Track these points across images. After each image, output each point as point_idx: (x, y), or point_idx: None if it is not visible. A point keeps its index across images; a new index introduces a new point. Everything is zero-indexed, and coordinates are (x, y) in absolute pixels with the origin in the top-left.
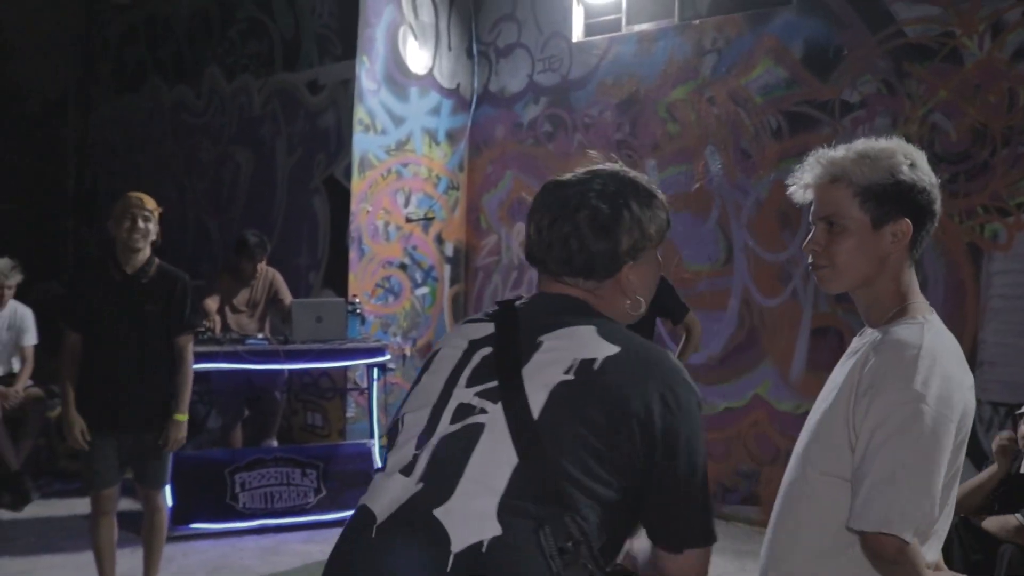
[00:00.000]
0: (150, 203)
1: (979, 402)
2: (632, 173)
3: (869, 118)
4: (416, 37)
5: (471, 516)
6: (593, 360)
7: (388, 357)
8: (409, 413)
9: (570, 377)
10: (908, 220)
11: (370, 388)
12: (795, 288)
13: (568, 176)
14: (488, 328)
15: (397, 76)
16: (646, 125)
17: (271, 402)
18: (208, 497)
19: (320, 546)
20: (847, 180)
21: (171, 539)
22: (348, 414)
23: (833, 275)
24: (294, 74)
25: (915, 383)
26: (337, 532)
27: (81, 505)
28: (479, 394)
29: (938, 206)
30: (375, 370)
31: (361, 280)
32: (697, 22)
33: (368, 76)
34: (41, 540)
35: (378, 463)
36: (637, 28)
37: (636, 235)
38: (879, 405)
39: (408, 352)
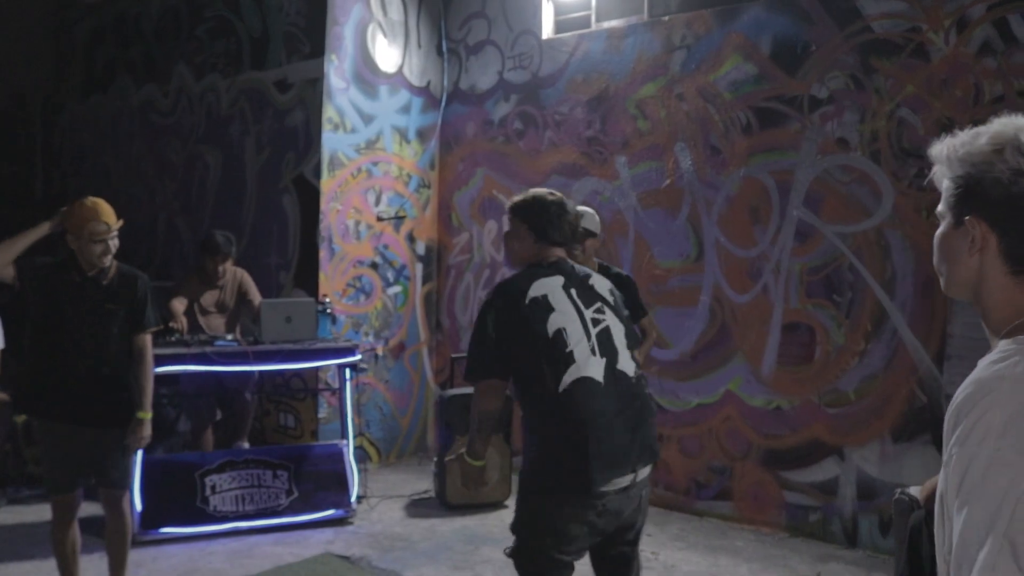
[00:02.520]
0: (112, 219)
1: (946, 395)
2: None
3: (837, 113)
4: (385, 35)
5: (628, 363)
6: (607, 284)
7: (360, 357)
8: (566, 327)
9: (609, 294)
10: (983, 221)
11: (342, 388)
12: (766, 284)
13: (555, 195)
14: (560, 277)
15: (366, 74)
16: (616, 122)
17: (242, 403)
18: (178, 501)
19: (292, 548)
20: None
21: (140, 544)
22: (320, 415)
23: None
24: (262, 73)
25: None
26: (309, 534)
27: (48, 511)
28: (595, 310)
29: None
30: (347, 370)
31: (332, 279)
32: (666, 18)
33: (337, 74)
34: (9, 547)
35: (351, 464)
36: (607, 25)
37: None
38: None
39: (380, 351)
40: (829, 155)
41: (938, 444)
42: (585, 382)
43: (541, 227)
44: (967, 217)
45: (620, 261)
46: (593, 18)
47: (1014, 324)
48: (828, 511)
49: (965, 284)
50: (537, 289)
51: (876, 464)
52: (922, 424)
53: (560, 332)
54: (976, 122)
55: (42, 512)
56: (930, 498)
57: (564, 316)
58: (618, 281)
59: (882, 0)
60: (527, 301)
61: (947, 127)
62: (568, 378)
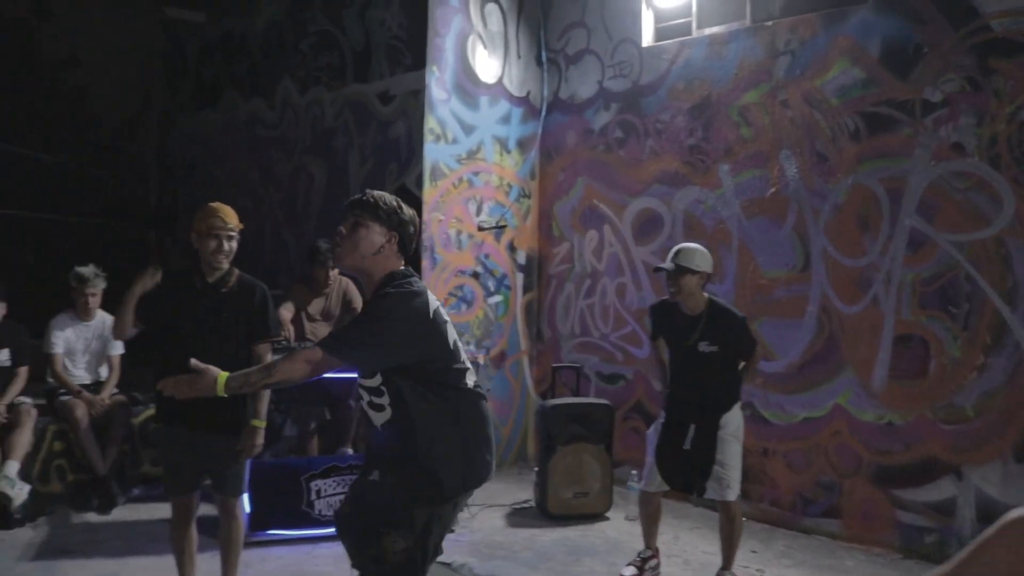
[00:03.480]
0: (233, 219)
1: None
2: None
3: (952, 117)
4: (485, 46)
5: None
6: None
7: None
8: (457, 341)
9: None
10: None
11: None
12: (876, 294)
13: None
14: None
15: (467, 85)
16: (719, 129)
17: (345, 410)
18: (284, 504)
19: None
20: None
21: (248, 545)
22: None
23: None
24: (365, 85)
25: None
26: None
27: (163, 510)
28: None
29: None
30: None
31: (434, 289)
32: (770, 23)
33: (438, 85)
34: (127, 543)
35: None
36: (708, 31)
37: None
38: None
39: (481, 360)
40: (944, 161)
41: None
42: (478, 393)
43: (407, 242)
44: None
45: (723, 271)
46: (694, 25)
47: None
48: (945, 533)
49: None
50: (433, 301)
51: (998, 485)
52: None
53: (456, 344)
54: None
55: (157, 510)
56: None
57: (452, 331)
58: (729, 324)
59: None
60: (432, 313)
61: None
62: (469, 381)
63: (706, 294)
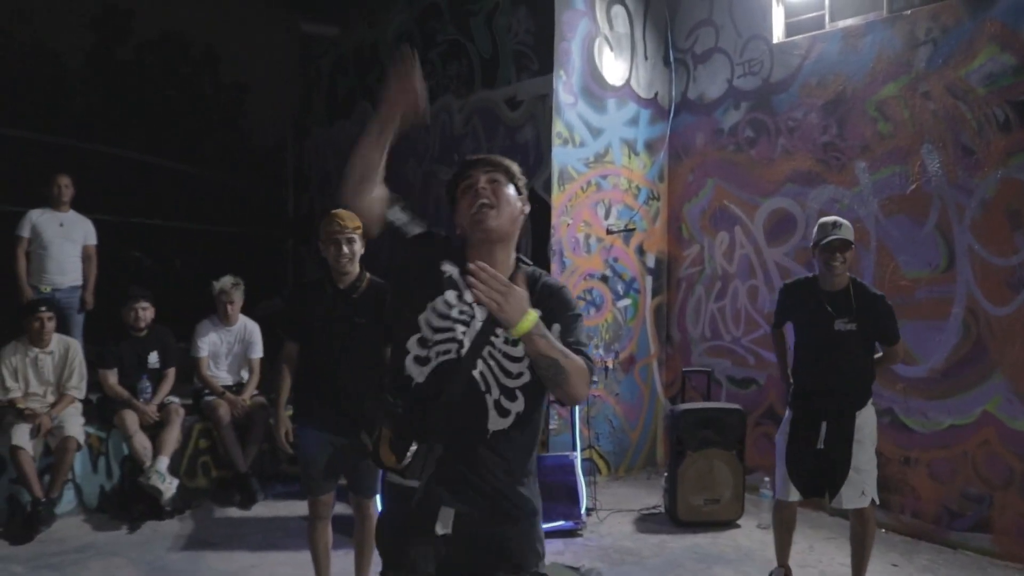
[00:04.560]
0: (352, 222)
1: None
2: None
3: None
4: (612, 48)
5: None
6: None
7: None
8: None
9: None
10: None
11: None
12: None
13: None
14: None
15: (594, 88)
16: (855, 126)
17: None
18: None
19: None
20: None
21: None
22: (551, 426)
23: None
24: (493, 91)
25: None
26: None
27: (300, 507)
28: None
29: None
30: None
31: None
32: (908, 12)
33: (565, 89)
34: (267, 538)
35: (581, 476)
36: (842, 24)
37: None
38: None
39: (611, 364)
40: None
41: None
42: None
43: None
44: None
45: (861, 272)
46: (827, 18)
47: None
48: None
49: None
50: None
51: None
52: None
53: None
54: None
55: (293, 508)
56: None
57: None
58: (873, 300)
59: None
60: None
61: None
62: None
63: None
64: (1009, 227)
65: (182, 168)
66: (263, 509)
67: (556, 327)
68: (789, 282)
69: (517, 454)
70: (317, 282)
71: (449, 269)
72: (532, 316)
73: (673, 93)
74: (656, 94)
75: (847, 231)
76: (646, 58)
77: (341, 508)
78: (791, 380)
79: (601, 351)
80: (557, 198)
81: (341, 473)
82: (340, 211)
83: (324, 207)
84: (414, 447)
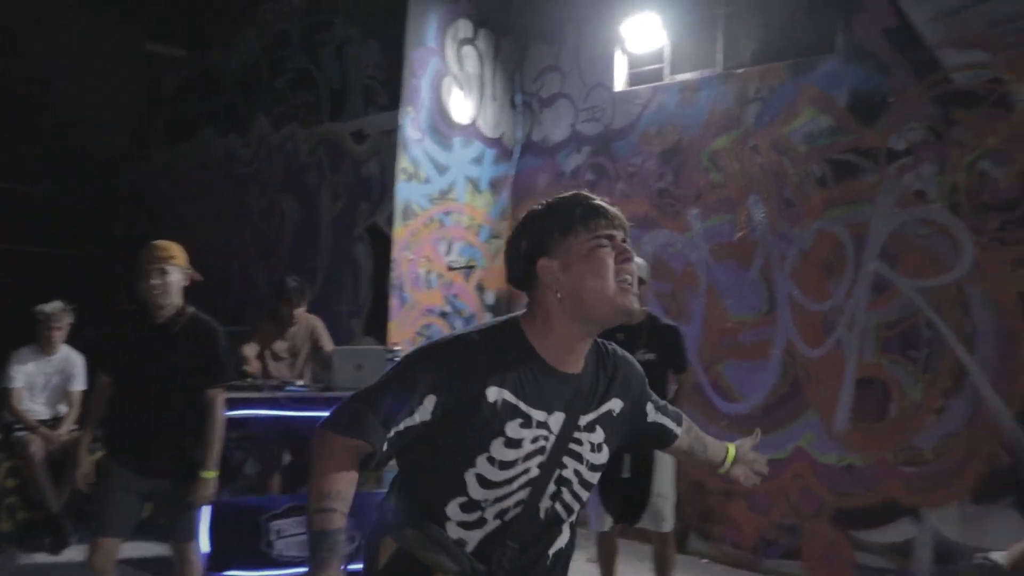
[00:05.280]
0: (170, 251)
1: None
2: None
3: (916, 165)
4: (460, 87)
5: None
6: None
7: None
8: None
9: None
10: None
11: None
12: (839, 338)
13: None
14: None
15: (441, 126)
16: (689, 174)
17: (310, 450)
18: (243, 544)
19: None
20: None
21: None
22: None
23: None
24: (340, 123)
25: None
26: None
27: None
28: None
29: None
30: None
31: (402, 328)
32: (740, 71)
33: (413, 125)
34: None
35: None
36: (680, 78)
37: (528, 235)
38: None
39: None
40: (907, 208)
41: (1022, 507)
42: None
43: None
44: None
45: (691, 313)
46: (667, 71)
47: None
48: (903, 575)
49: None
50: None
51: (956, 527)
52: (1005, 486)
53: None
54: None
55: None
56: (1018, 563)
57: None
58: (668, 332)
59: (963, 50)
60: None
61: None
62: None
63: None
64: (824, 275)
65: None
66: (76, 553)
67: (650, 406)
68: None
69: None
70: (134, 314)
71: (496, 395)
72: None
73: (518, 135)
74: (502, 134)
75: (641, 270)
76: (494, 99)
77: (164, 550)
78: None
79: None
80: (400, 233)
81: (136, 521)
82: (158, 243)
83: (160, 233)
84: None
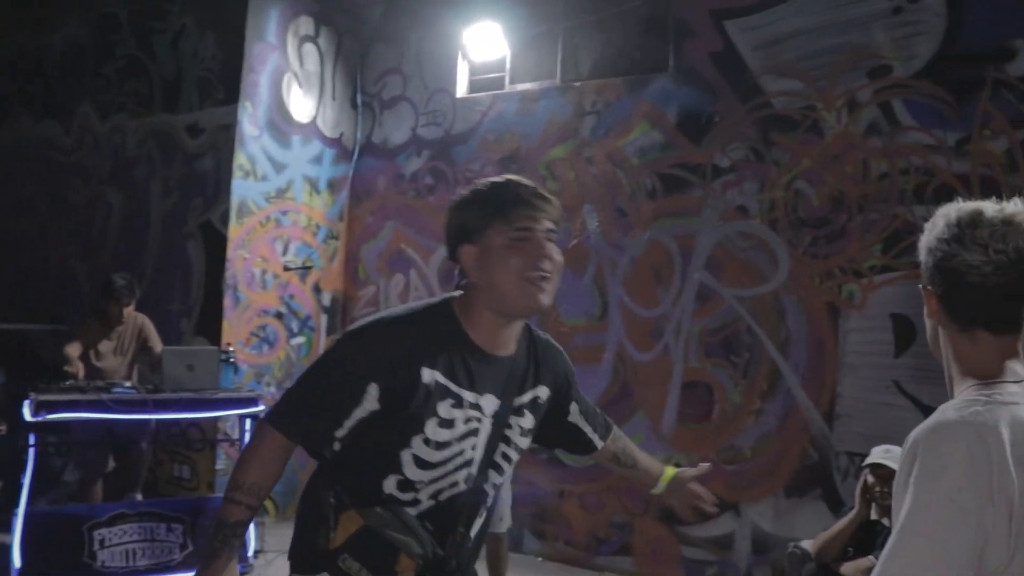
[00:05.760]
0: None
1: (836, 452)
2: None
3: (738, 182)
4: (300, 85)
5: None
6: None
7: (261, 407)
8: None
9: None
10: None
11: (241, 439)
12: (667, 343)
13: None
14: None
15: (280, 123)
16: None
17: (137, 453)
18: (63, 556)
19: None
20: None
21: None
22: (218, 466)
23: None
24: (174, 116)
25: None
26: None
27: None
28: None
29: None
30: (247, 420)
31: (235, 328)
32: (578, 84)
33: (250, 121)
34: None
35: None
36: (520, 87)
37: (455, 219)
38: None
39: None
40: (730, 222)
41: (828, 500)
42: None
43: None
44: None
45: None
46: (507, 80)
47: (977, 376)
48: (724, 566)
49: (931, 341)
50: None
51: (770, 519)
52: (814, 480)
53: None
54: (864, 196)
55: None
56: (823, 551)
57: None
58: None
59: (781, 79)
60: None
61: (838, 199)
62: None
63: None
64: (653, 283)
65: None
66: None
67: (575, 406)
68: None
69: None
70: None
71: (430, 376)
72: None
73: (358, 136)
74: (342, 135)
75: None
76: (334, 98)
77: None
78: None
79: (273, 389)
80: (235, 231)
81: None
82: None
83: None
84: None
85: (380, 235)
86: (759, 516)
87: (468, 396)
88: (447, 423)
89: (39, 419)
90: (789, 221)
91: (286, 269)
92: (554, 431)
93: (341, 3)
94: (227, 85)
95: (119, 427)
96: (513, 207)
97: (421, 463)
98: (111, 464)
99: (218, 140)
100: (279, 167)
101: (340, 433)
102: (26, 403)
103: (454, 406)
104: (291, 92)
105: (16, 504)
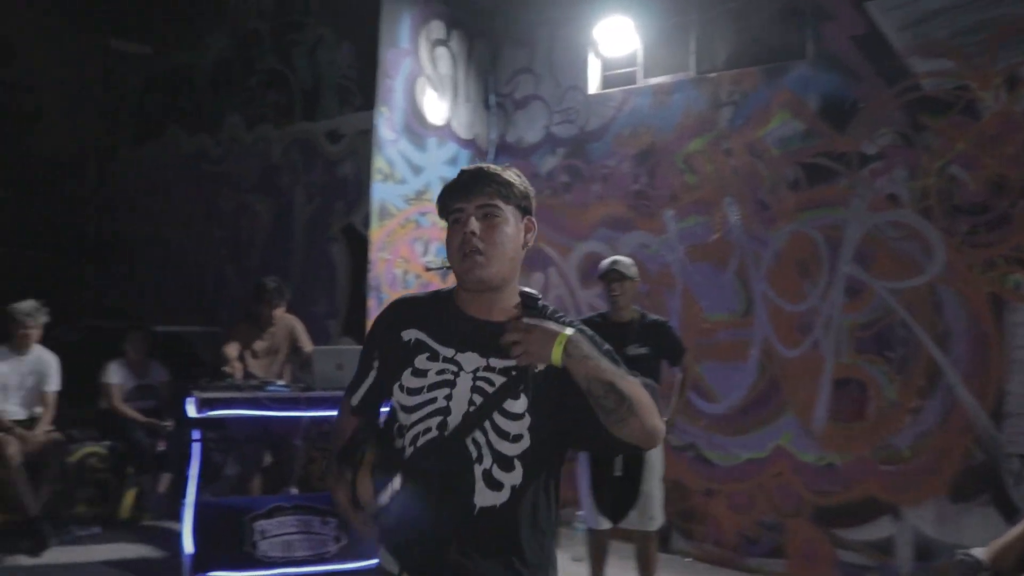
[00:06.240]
0: None
1: (1007, 455)
2: None
3: (887, 169)
4: (434, 88)
5: None
6: None
7: None
8: None
9: None
10: None
11: None
12: (816, 339)
13: None
14: None
15: (415, 126)
16: (664, 176)
17: (291, 450)
18: (227, 545)
19: None
20: None
21: None
22: None
23: None
24: (314, 123)
25: None
26: None
27: (99, 552)
28: None
29: None
30: None
31: None
32: (713, 75)
33: (387, 126)
34: None
35: None
36: (653, 81)
37: None
38: None
39: None
40: (879, 211)
41: (999, 505)
42: None
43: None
44: None
45: (668, 314)
46: (640, 74)
47: None
48: (884, 571)
49: None
50: None
51: (933, 524)
52: (981, 484)
53: None
54: None
55: (90, 553)
56: (998, 559)
57: None
58: (658, 326)
59: (930, 58)
60: None
61: (998, 184)
62: None
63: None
64: (799, 277)
65: None
66: (56, 555)
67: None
68: (583, 318)
69: (513, 540)
70: None
71: (411, 334)
72: (563, 336)
73: (492, 136)
74: (476, 135)
75: (623, 266)
76: (467, 100)
77: (146, 550)
78: None
79: None
80: (376, 233)
81: None
82: None
83: (129, 233)
84: (397, 484)
85: None
86: (921, 520)
87: (445, 351)
88: (420, 372)
89: (202, 416)
90: (944, 209)
91: (427, 269)
92: (572, 414)
93: (471, 5)
94: (364, 91)
95: (274, 424)
96: (448, 194)
97: (403, 408)
98: (267, 459)
99: (357, 145)
100: (416, 169)
101: (354, 403)
102: (189, 400)
103: (429, 359)
104: (425, 95)
105: (184, 495)
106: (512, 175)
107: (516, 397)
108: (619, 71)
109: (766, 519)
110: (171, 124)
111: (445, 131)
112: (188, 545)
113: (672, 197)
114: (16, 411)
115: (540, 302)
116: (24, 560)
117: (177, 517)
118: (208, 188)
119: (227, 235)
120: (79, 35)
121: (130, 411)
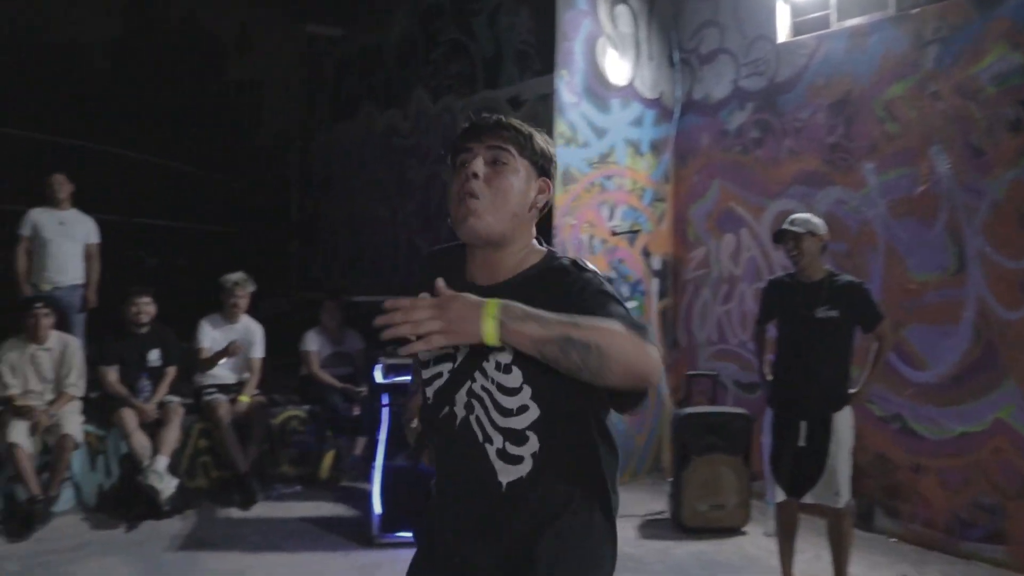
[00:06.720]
0: None
1: None
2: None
3: None
4: (615, 48)
5: None
6: None
7: None
8: None
9: None
10: None
11: None
12: None
13: None
14: None
15: (597, 88)
16: (862, 126)
17: None
18: (412, 508)
19: None
20: None
21: (379, 546)
22: None
23: None
24: (496, 91)
25: None
26: None
27: (300, 509)
28: None
29: None
30: None
31: None
32: (916, 11)
33: (568, 89)
34: (265, 539)
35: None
36: (848, 23)
37: None
38: None
39: None
40: None
41: None
42: None
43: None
44: None
45: (869, 274)
46: (833, 17)
47: None
48: None
49: None
50: None
51: None
52: None
53: None
54: None
55: (293, 509)
56: None
57: None
58: (851, 287)
59: None
60: None
61: None
62: None
63: (825, 265)
64: (1020, 229)
65: (186, 168)
66: (262, 510)
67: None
68: (772, 278)
69: (552, 495)
70: None
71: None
72: (490, 308)
73: (678, 93)
74: (661, 94)
75: (798, 223)
76: (650, 58)
77: (341, 510)
78: (768, 377)
79: None
80: (560, 199)
81: None
82: None
83: (328, 210)
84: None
85: (707, 194)
86: None
87: None
88: None
89: (388, 381)
90: None
91: (614, 234)
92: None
93: None
94: (543, 56)
95: None
96: (460, 136)
97: (424, 382)
98: None
99: (538, 110)
100: (600, 132)
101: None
102: (377, 367)
103: None
104: (606, 56)
105: (374, 458)
106: (536, 132)
107: (508, 372)
108: (810, 16)
109: (984, 500)
110: (364, 103)
111: (628, 91)
112: (377, 506)
113: (872, 148)
114: (227, 375)
115: (578, 264)
116: (235, 513)
117: (369, 479)
118: (399, 162)
119: (417, 207)
120: (276, 20)
121: (327, 377)
